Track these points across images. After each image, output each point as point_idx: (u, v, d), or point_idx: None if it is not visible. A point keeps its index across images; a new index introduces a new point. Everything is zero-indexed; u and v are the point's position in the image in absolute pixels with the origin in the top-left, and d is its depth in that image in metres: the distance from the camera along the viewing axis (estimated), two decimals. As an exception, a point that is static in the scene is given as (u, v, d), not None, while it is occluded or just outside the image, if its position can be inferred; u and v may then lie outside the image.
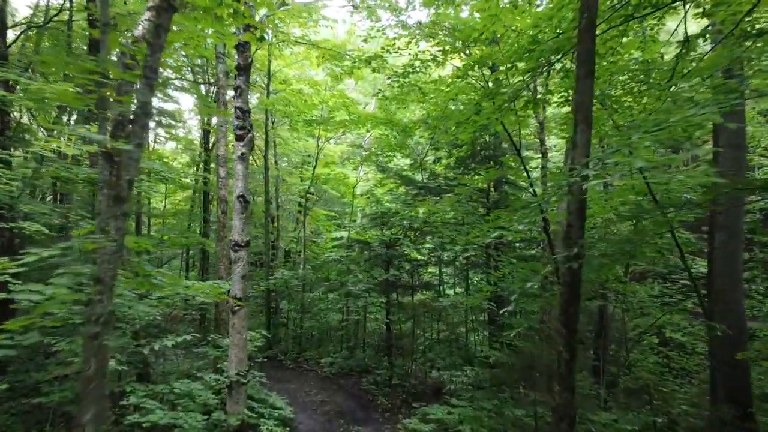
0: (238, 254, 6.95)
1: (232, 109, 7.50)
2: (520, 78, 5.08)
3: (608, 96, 5.09)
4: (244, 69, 7.04)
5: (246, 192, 7.08)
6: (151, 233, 21.12)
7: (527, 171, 6.64)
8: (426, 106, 10.68)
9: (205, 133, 17.05)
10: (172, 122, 18.27)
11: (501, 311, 6.39)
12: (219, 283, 8.02)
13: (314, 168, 16.82)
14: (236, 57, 7.19)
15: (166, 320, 8.43)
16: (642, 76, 5.04)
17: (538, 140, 12.95)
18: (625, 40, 5.35)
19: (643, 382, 7.05)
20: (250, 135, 7.22)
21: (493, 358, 8.94)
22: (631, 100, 5.26)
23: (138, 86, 2.38)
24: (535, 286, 3.61)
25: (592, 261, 4.10)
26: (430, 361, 11.46)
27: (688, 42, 4.34)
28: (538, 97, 6.27)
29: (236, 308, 6.85)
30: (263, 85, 15.79)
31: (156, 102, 15.74)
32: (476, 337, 12.67)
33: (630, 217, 4.71)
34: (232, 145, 8.19)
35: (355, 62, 8.32)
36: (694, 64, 4.88)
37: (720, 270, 5.88)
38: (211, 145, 16.53)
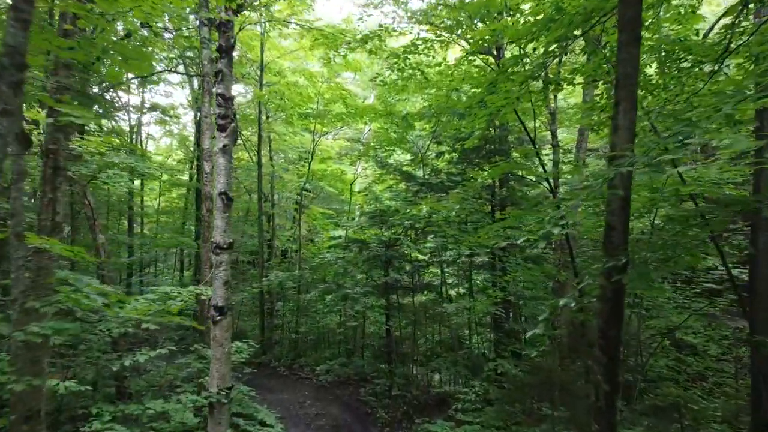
0: (220, 257, 6.19)
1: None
2: (541, 53, 4.38)
3: (645, 77, 4.39)
4: (226, 51, 6.30)
5: (229, 188, 6.34)
6: (144, 232, 20.47)
7: (542, 164, 5.92)
8: (428, 96, 9.92)
9: (198, 127, 16.35)
10: (166, 117, 17.57)
11: (527, 334, 5.70)
12: (202, 288, 7.33)
13: (310, 164, 16.10)
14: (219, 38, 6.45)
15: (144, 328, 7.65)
16: (683, 54, 4.32)
17: (547, 133, 12.22)
18: (662, 12, 4.64)
19: (673, 399, 6.36)
20: (233, 125, 6.48)
21: (501, 369, 8.24)
22: (669, 81, 4.55)
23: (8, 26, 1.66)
24: (571, 304, 2.92)
25: (648, 271, 3.41)
26: (433, 370, 10.75)
27: (746, 7, 3.63)
28: (558, 77, 5.54)
29: (218, 318, 6.11)
30: (256, 77, 15.05)
31: (148, 97, 15.07)
32: (480, 340, 11.94)
33: (681, 219, 4.02)
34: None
35: (350, 44, 7.59)
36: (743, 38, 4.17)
37: (765, 273, 5.31)
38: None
